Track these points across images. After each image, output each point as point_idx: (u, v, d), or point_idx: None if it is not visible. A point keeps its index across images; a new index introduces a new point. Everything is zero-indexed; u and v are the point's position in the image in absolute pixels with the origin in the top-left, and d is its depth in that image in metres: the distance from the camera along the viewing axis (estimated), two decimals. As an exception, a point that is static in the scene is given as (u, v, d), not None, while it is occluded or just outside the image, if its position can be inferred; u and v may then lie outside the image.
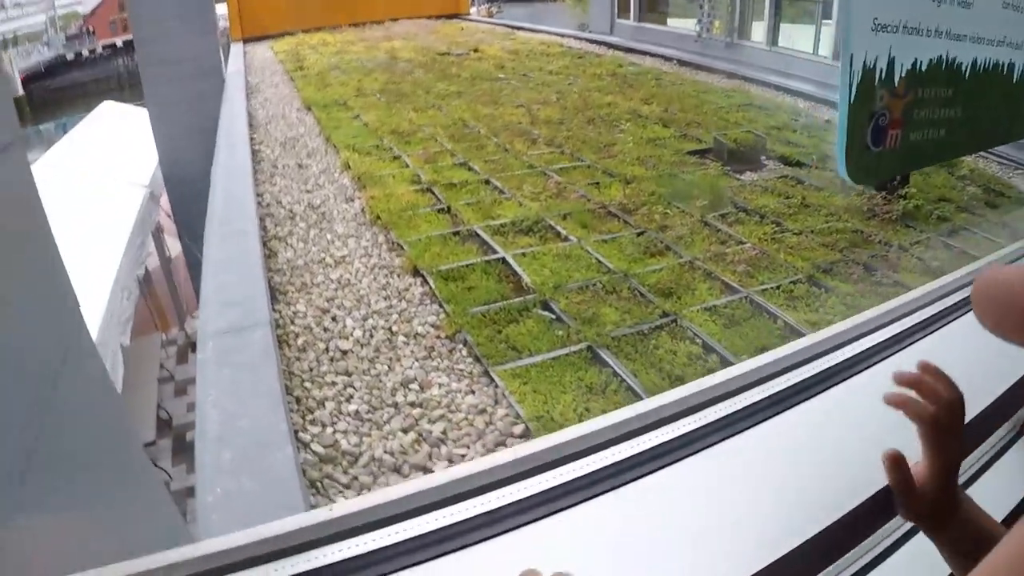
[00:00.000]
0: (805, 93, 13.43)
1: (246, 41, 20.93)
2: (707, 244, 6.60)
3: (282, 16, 22.19)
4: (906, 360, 1.29)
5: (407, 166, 8.83)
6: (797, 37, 16.73)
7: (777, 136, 10.32)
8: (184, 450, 8.94)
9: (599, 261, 6.15)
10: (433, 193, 7.85)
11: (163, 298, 12.45)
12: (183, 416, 9.77)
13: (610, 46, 18.92)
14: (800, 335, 5.04)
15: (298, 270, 6.19)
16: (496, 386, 4.41)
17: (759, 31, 16.84)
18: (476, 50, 18.10)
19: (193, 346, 11.30)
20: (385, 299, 5.64)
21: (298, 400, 4.30)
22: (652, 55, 17.31)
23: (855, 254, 6.46)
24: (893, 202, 7.44)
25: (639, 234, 6.76)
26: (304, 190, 8.24)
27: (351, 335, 5.08)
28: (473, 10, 30.28)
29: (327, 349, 4.90)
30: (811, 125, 11.42)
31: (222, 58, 16.08)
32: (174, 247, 13.16)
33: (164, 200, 12.73)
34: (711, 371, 4.56)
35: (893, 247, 6.66)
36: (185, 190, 12.68)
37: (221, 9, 18.04)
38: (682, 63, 16.36)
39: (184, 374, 10.89)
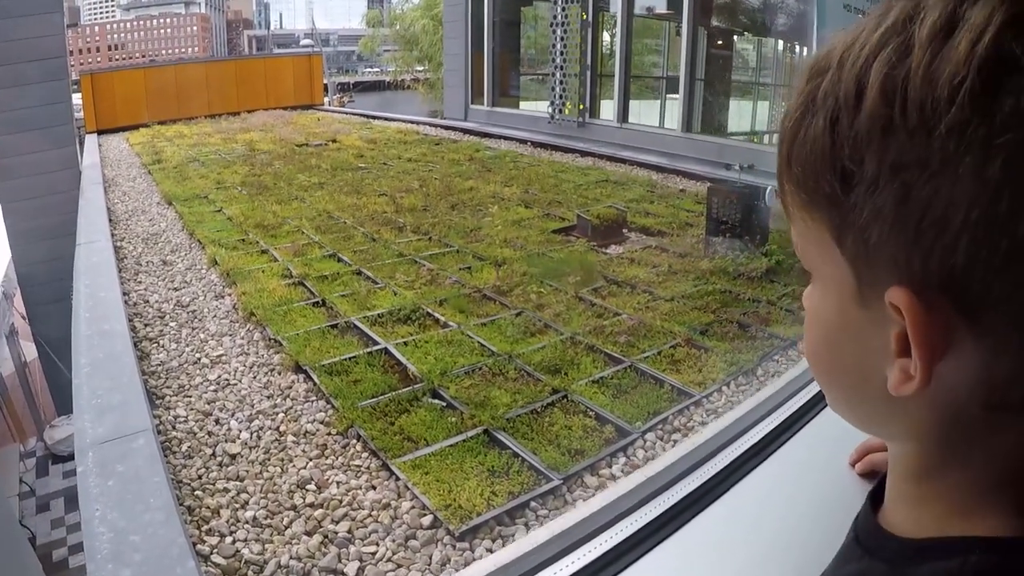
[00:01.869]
0: (657, 165, 14.07)
1: (100, 133, 20.47)
2: (585, 319, 6.74)
3: (137, 108, 21.95)
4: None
5: (276, 260, 8.71)
6: (645, 113, 17.54)
7: (636, 208, 10.71)
8: (51, 571, 8.42)
9: (482, 344, 6.17)
10: (305, 286, 7.75)
11: (19, 406, 11.74)
12: (47, 534, 9.23)
13: (465, 131, 19.37)
14: (688, 396, 5.23)
15: (173, 372, 5.98)
16: (397, 479, 4.33)
17: (609, 109, 17.54)
18: (334, 140, 18.19)
19: (54, 457, 10.76)
20: (269, 398, 5.49)
21: (190, 510, 4.12)
22: (507, 138, 17.79)
23: (727, 313, 6.74)
24: (755, 260, 7.80)
25: (517, 315, 6.83)
26: (171, 288, 8.01)
27: (238, 438, 4.92)
28: (326, 99, 30.49)
29: (214, 454, 4.73)
30: (666, 195, 11.94)
31: (77, 150, 15.61)
32: (29, 351, 12.48)
33: (18, 300, 12.10)
34: (608, 441, 4.67)
35: (762, 302, 7.00)
36: (41, 290, 12.15)
37: (75, 99, 17.61)
38: (537, 144, 16.89)
39: (45, 488, 10.29)
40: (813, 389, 1.49)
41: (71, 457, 8.92)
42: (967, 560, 0.51)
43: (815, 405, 1.44)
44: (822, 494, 1.14)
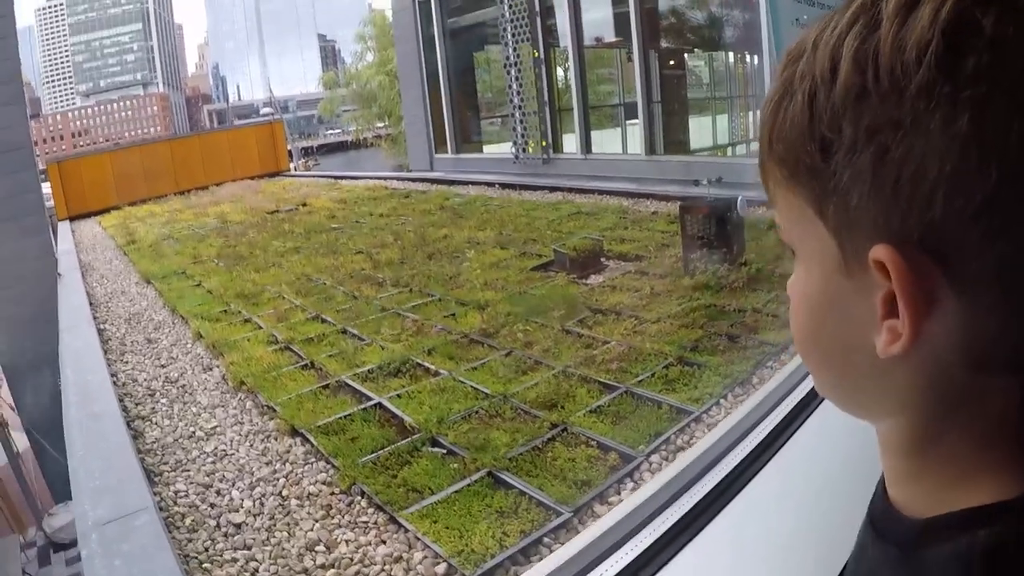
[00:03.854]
0: (626, 191, 14.17)
1: (72, 219, 20.55)
2: (574, 351, 6.76)
3: (106, 191, 22.13)
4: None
5: (260, 327, 8.69)
6: (607, 141, 17.68)
7: (611, 236, 10.79)
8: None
9: (475, 388, 6.17)
10: (292, 351, 7.72)
11: (15, 497, 11.57)
12: (54, 623, 9.08)
13: (433, 181, 19.48)
14: (687, 413, 5.24)
15: (169, 448, 5.93)
16: (406, 531, 4.31)
17: (571, 142, 17.69)
18: (305, 204, 18.28)
19: (55, 545, 10.59)
20: (268, 464, 5.46)
21: (201, 585, 4.10)
22: (475, 183, 17.93)
23: (715, 327, 6.79)
24: (735, 271, 7.86)
25: (507, 355, 6.85)
26: (158, 365, 7.98)
27: (241, 506, 4.88)
28: (291, 165, 30.61)
29: (219, 525, 4.69)
30: (639, 220, 12.02)
31: (52, 238, 15.64)
32: (21, 441, 12.37)
33: (5, 391, 12.02)
34: (613, 468, 4.66)
35: (748, 312, 7.06)
36: (27, 380, 12.08)
37: (44, 188, 17.67)
38: (505, 186, 17.02)
39: (48, 577, 10.14)
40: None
41: (72, 544, 8.80)
42: (975, 538, 0.51)
43: (815, 397, 1.44)
44: (835, 480, 1.14)
